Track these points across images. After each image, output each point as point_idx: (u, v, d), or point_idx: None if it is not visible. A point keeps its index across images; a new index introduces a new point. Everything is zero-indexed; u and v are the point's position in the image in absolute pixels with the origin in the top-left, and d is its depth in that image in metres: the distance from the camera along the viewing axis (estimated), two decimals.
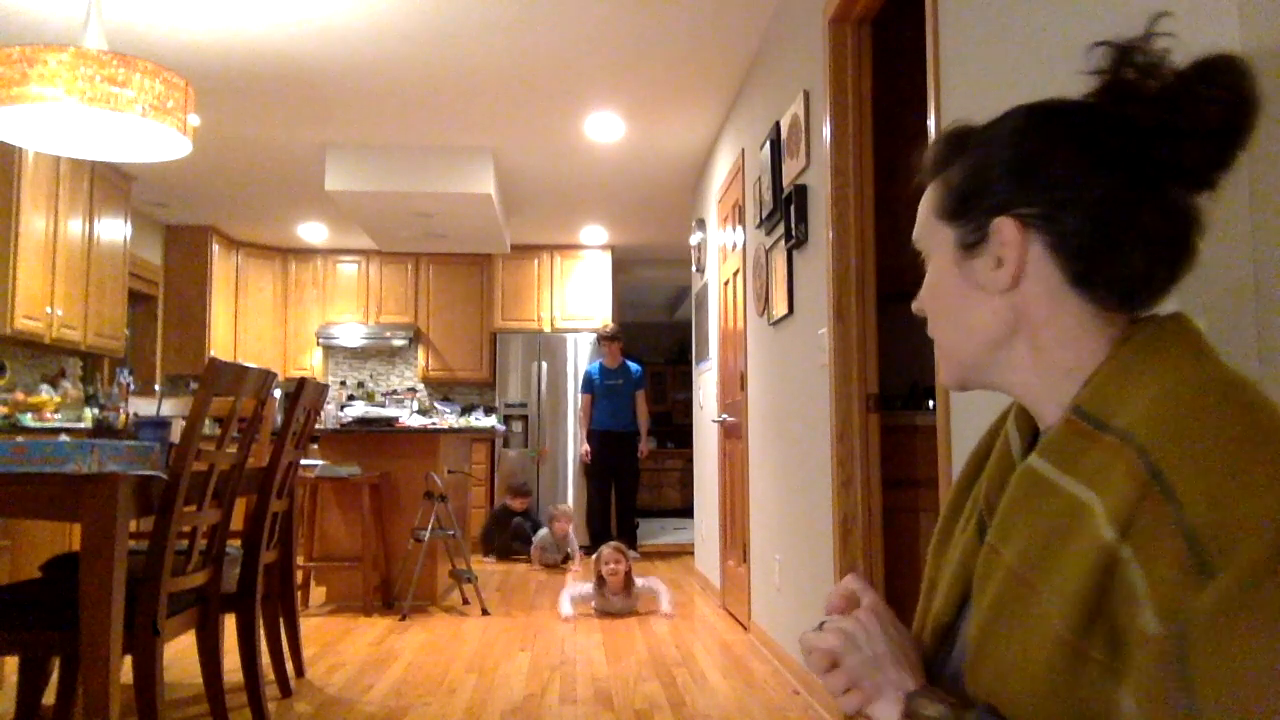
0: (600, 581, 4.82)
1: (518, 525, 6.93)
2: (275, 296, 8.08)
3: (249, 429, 2.70)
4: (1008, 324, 0.82)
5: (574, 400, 7.67)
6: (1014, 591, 0.72)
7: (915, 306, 0.91)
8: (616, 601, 4.82)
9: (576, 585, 5.01)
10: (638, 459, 7.11)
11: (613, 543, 4.95)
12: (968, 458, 0.95)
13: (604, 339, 7.11)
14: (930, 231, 0.87)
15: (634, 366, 7.12)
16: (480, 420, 7.13)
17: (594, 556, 5.00)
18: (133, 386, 5.70)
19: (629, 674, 3.54)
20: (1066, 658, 0.66)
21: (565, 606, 4.76)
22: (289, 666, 3.28)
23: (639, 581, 4.90)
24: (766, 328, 3.94)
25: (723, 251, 5.10)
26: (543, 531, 6.71)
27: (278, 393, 5.80)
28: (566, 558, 6.64)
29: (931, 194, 0.87)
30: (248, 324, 7.85)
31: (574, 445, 7.66)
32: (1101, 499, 0.67)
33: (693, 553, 6.66)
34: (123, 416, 5.06)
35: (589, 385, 7.09)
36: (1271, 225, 1.06)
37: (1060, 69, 1.53)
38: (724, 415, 4.94)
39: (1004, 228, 0.80)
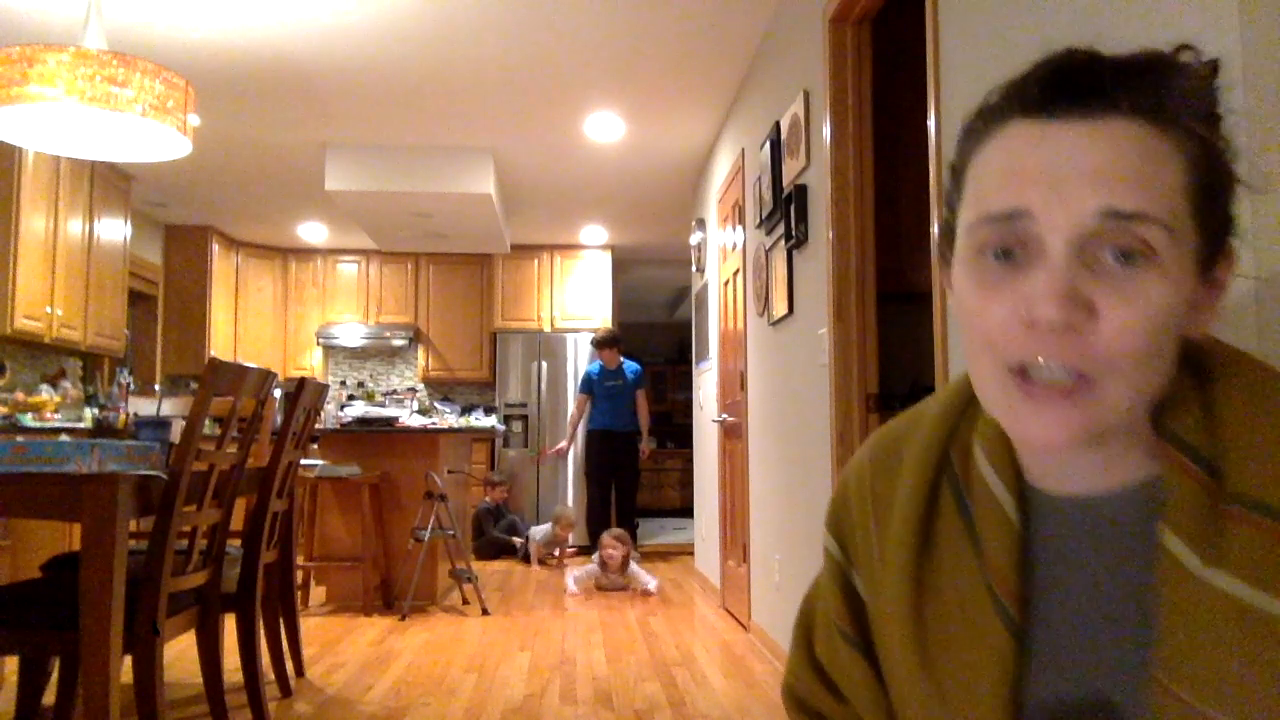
0: (602, 564, 5.58)
1: (509, 524, 6.96)
2: (275, 296, 8.08)
3: (249, 429, 2.70)
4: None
5: (574, 400, 7.66)
6: None
7: (1133, 325, 0.57)
8: (615, 579, 5.58)
9: (580, 568, 5.68)
10: (638, 459, 7.10)
11: (613, 530, 5.79)
12: (900, 511, 0.74)
13: (599, 345, 7.00)
14: (1173, 217, 0.58)
15: (634, 366, 7.10)
16: (480, 420, 7.14)
17: (598, 542, 5.72)
18: (133, 386, 5.70)
19: (629, 674, 3.54)
20: None
21: (570, 585, 5.48)
22: (289, 666, 3.28)
23: (634, 566, 5.64)
24: (766, 328, 3.94)
25: (723, 251, 5.10)
26: (545, 527, 6.74)
27: (278, 393, 5.80)
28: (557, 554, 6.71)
29: (1180, 159, 0.58)
30: (248, 324, 7.85)
31: (568, 440, 7.60)
32: None
33: (693, 553, 6.66)
34: (123, 416, 5.06)
35: (588, 386, 7.07)
36: (1272, 225, 1.06)
37: None
38: (724, 415, 4.94)
39: (1233, 252, 0.63)
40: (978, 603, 0.67)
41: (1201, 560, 0.57)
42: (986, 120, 0.64)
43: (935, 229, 2.13)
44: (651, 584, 5.53)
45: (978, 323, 0.62)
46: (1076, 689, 0.64)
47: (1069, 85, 0.60)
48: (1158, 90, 0.59)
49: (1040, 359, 0.58)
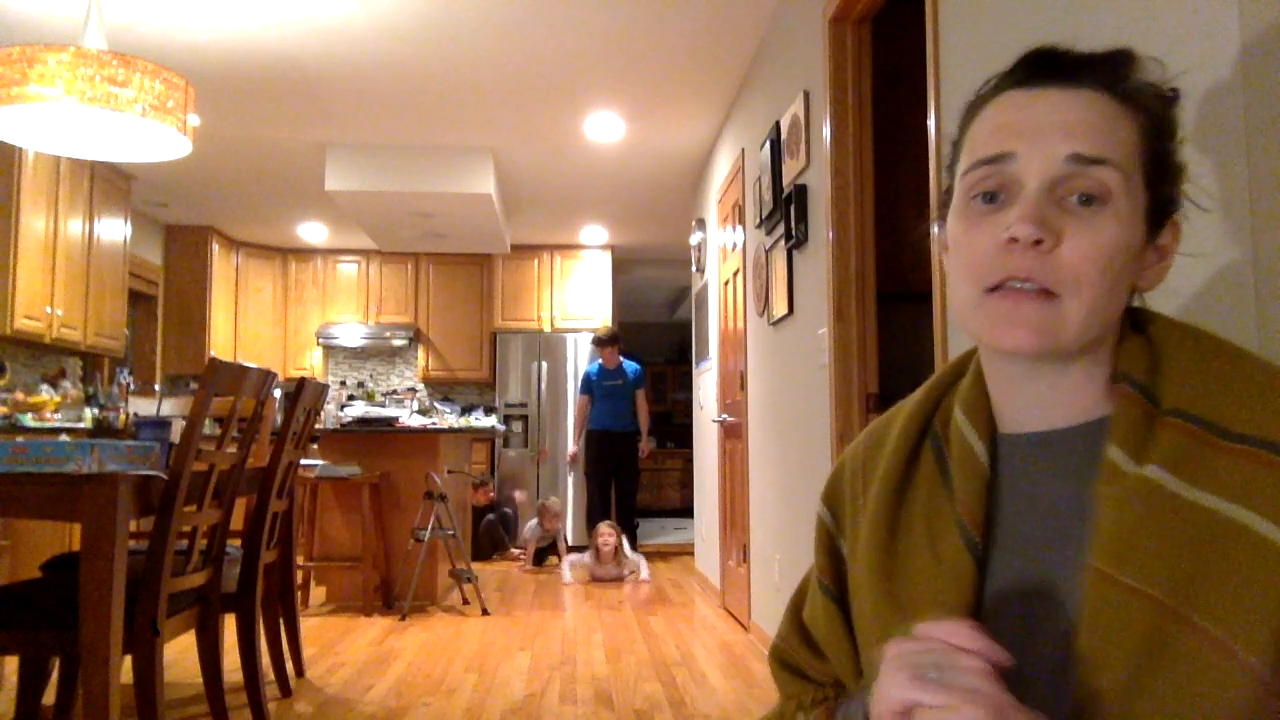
0: (596, 552, 5.88)
1: (489, 524, 6.93)
2: (275, 296, 8.08)
3: (249, 429, 2.70)
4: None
5: (574, 400, 7.66)
6: (1169, 629, 0.63)
7: (1089, 251, 0.69)
8: (609, 569, 5.87)
9: (574, 556, 6.06)
10: (638, 459, 7.10)
11: (607, 520, 6.15)
12: (882, 469, 0.83)
13: (599, 344, 7.01)
14: (1127, 167, 0.71)
15: (633, 366, 7.10)
16: (480, 420, 7.13)
17: (591, 531, 6.07)
18: (133, 386, 5.71)
19: (629, 674, 3.54)
20: (1265, 698, 0.60)
21: (566, 575, 5.83)
22: (289, 666, 3.28)
23: (629, 552, 6.00)
24: (766, 328, 3.94)
25: (723, 251, 5.10)
26: (533, 523, 6.75)
27: (278, 393, 5.80)
28: (553, 549, 6.69)
29: (1135, 126, 0.72)
30: (248, 324, 7.85)
31: (574, 443, 7.64)
32: (1263, 516, 0.62)
33: (693, 553, 6.66)
34: (123, 416, 5.07)
35: (587, 386, 7.07)
36: (1271, 224, 1.06)
37: None
38: (724, 415, 4.94)
39: (1179, 230, 0.75)
40: (946, 534, 0.76)
41: (1134, 460, 0.68)
42: (983, 98, 0.77)
43: (935, 229, 2.13)
44: (644, 570, 5.90)
45: (964, 253, 0.74)
46: (1023, 586, 0.73)
47: (1050, 64, 0.74)
48: (1119, 73, 0.72)
49: (1015, 283, 0.70)
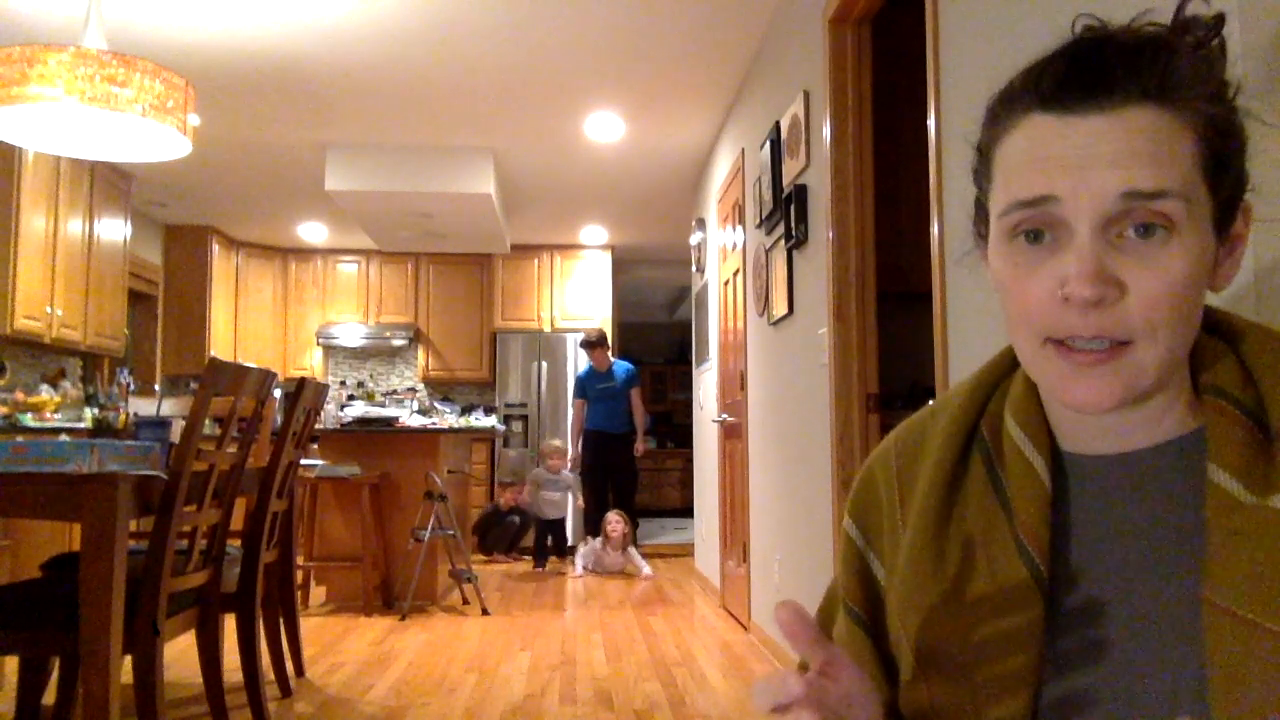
0: (605, 538, 6.26)
1: (509, 524, 6.89)
2: (275, 296, 8.08)
3: (249, 429, 2.70)
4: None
5: (574, 401, 7.63)
6: None
7: (1159, 295, 0.61)
8: (615, 557, 6.24)
9: (584, 547, 6.40)
10: (634, 459, 7.05)
11: (616, 510, 6.50)
12: (925, 480, 0.76)
13: (587, 346, 6.93)
14: (1190, 189, 0.62)
15: (625, 366, 7.03)
16: (480, 420, 7.12)
17: (602, 520, 6.41)
18: (133, 386, 5.70)
19: (629, 674, 3.54)
20: None
21: (578, 566, 6.26)
22: (289, 666, 3.28)
23: (633, 551, 6.32)
24: (766, 328, 3.94)
25: (723, 251, 5.10)
26: (536, 470, 6.76)
27: (278, 393, 5.80)
28: (555, 547, 6.66)
29: (1187, 126, 0.63)
30: (248, 324, 7.85)
31: (573, 447, 7.61)
32: None
33: (693, 553, 6.66)
34: (123, 416, 5.07)
35: (581, 390, 7.00)
36: (1271, 225, 1.06)
37: None
38: (724, 415, 4.94)
39: (1249, 211, 0.68)
40: (1004, 556, 0.69)
41: (1251, 491, 0.61)
42: (1008, 108, 0.69)
43: (935, 229, 2.13)
44: (645, 568, 6.20)
45: (1016, 300, 0.67)
46: (1101, 615, 0.66)
47: (1082, 79, 0.64)
48: (1164, 74, 0.63)
49: (1080, 341, 0.63)
